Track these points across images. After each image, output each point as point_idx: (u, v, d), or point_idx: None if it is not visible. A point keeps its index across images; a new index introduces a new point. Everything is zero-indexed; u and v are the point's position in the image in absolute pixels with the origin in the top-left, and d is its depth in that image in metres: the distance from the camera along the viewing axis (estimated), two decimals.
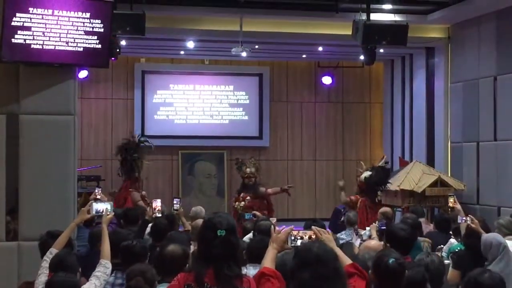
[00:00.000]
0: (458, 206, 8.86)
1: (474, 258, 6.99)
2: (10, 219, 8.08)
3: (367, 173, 13.32)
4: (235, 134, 18.07)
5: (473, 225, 7.64)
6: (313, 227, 4.38)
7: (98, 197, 8.52)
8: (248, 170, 14.09)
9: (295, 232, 4.30)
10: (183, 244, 5.41)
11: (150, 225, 8.47)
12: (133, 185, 12.71)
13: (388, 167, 13.75)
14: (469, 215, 8.11)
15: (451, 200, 9.06)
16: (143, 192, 12.72)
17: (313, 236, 4.29)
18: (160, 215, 9.00)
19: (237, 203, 13.61)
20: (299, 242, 4.34)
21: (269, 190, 13.94)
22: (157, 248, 6.63)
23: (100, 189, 9.00)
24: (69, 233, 6.13)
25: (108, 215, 6.14)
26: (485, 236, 7.09)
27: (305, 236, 4.30)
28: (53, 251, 5.76)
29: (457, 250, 7.90)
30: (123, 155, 13.15)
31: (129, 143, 13.27)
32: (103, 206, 6.23)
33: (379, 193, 13.31)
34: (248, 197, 13.60)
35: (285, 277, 4.10)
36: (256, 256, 6.01)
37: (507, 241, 7.06)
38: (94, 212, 6.22)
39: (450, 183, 13.40)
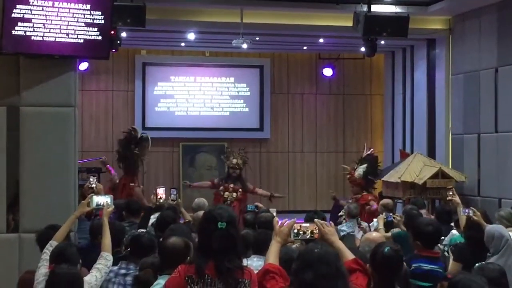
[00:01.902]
0: (457, 199, 8.84)
1: (475, 251, 7.00)
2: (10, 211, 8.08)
3: (361, 168, 13.45)
4: (236, 126, 18.08)
5: (475, 218, 7.61)
6: (315, 220, 4.35)
7: (93, 185, 8.51)
8: (234, 161, 14.08)
9: (297, 225, 4.28)
10: (184, 236, 5.41)
11: (154, 216, 8.47)
12: (132, 179, 12.66)
13: (375, 154, 14.02)
14: (471, 207, 8.09)
15: (449, 193, 9.04)
16: (141, 186, 12.70)
17: (316, 230, 4.26)
18: (164, 202, 9.02)
19: (227, 193, 13.60)
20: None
21: (258, 190, 14.07)
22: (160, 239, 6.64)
23: (95, 178, 8.98)
24: (69, 226, 6.12)
25: (108, 208, 6.14)
26: (489, 227, 7.08)
27: (308, 230, 4.27)
28: (53, 243, 5.76)
29: (457, 242, 7.89)
30: (124, 150, 13.04)
31: (131, 137, 13.17)
32: (103, 199, 6.22)
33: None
34: (240, 190, 13.65)
35: (288, 272, 4.11)
36: (261, 247, 6.04)
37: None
38: (94, 205, 6.21)
39: (451, 175, 13.41)
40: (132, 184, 12.46)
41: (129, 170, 12.76)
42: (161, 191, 9.33)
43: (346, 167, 14.31)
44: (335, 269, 3.62)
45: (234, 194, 13.61)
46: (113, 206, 6.27)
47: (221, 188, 13.64)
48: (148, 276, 5.18)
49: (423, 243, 5.65)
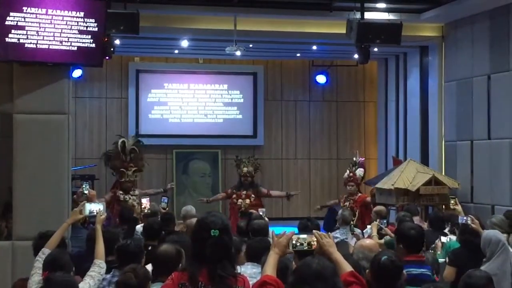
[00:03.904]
0: (459, 208, 8.84)
1: (470, 255, 7.04)
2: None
3: (359, 171, 13.56)
4: (230, 133, 18.07)
5: (473, 225, 7.67)
6: (314, 231, 4.32)
7: (86, 192, 8.51)
8: (245, 169, 14.25)
9: (295, 237, 4.26)
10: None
11: (142, 224, 8.48)
12: (114, 188, 12.71)
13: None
14: (470, 215, 8.15)
15: (452, 202, 9.02)
16: (137, 191, 12.66)
17: (314, 242, 4.24)
18: (148, 211, 9.02)
19: (240, 200, 13.82)
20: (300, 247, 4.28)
21: (273, 192, 14.32)
22: (149, 247, 6.64)
23: (88, 184, 8.98)
24: (61, 233, 6.10)
25: (101, 215, 6.14)
26: (486, 232, 7.16)
27: (305, 242, 4.25)
28: (45, 251, 5.75)
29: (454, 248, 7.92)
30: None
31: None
32: (96, 207, 6.22)
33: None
34: (253, 196, 13.84)
35: (283, 280, 4.11)
36: (255, 255, 6.05)
37: None
38: (87, 213, 6.21)
39: (444, 181, 13.42)
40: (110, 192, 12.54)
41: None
42: (145, 201, 9.35)
43: (350, 171, 14.36)
44: (332, 285, 3.62)
45: (247, 201, 13.85)
46: (105, 214, 6.27)
47: (234, 196, 13.93)
48: (129, 280, 5.12)
49: (407, 247, 5.67)
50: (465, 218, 8.15)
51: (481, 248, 6.96)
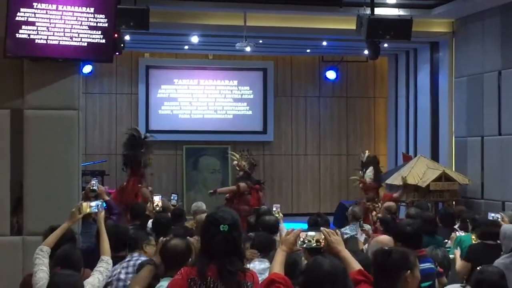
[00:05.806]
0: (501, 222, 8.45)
1: (488, 251, 7.08)
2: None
3: (369, 173, 13.37)
4: (239, 129, 18.10)
5: (503, 223, 7.63)
6: (322, 228, 4.29)
7: (95, 188, 8.52)
8: (235, 163, 14.22)
9: (303, 234, 4.24)
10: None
11: (151, 220, 8.50)
12: (140, 180, 12.59)
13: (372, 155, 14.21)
14: (500, 212, 8.12)
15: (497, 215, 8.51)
16: (150, 188, 12.60)
17: (322, 240, 4.21)
18: (160, 209, 9.03)
19: None
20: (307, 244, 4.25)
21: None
22: None
23: (97, 180, 8.99)
24: (61, 233, 6.03)
25: (100, 212, 6.18)
26: (504, 226, 7.15)
27: (313, 239, 4.22)
28: (43, 248, 5.73)
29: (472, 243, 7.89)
30: (129, 151, 12.95)
31: (135, 138, 13.11)
32: (95, 204, 6.27)
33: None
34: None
35: (292, 275, 4.11)
36: (262, 250, 6.05)
37: None
38: (92, 210, 6.24)
39: (455, 177, 13.42)
40: (140, 185, 12.40)
41: (135, 171, 12.67)
42: (157, 199, 9.36)
43: (355, 178, 14.15)
44: (342, 285, 3.63)
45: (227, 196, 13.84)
46: (103, 211, 6.28)
47: None
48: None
49: (404, 245, 5.61)
50: (493, 215, 8.03)
51: (500, 242, 6.99)
